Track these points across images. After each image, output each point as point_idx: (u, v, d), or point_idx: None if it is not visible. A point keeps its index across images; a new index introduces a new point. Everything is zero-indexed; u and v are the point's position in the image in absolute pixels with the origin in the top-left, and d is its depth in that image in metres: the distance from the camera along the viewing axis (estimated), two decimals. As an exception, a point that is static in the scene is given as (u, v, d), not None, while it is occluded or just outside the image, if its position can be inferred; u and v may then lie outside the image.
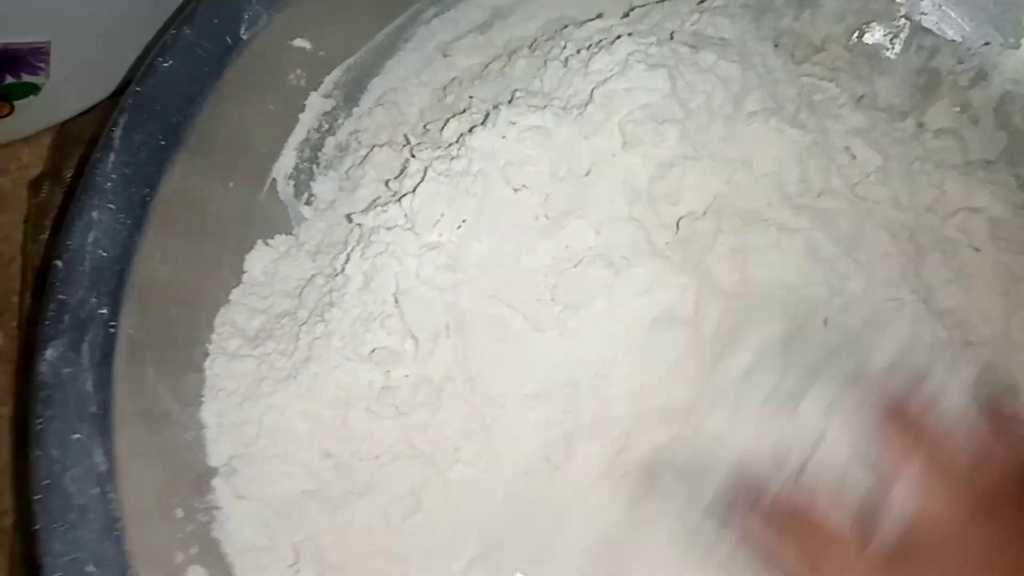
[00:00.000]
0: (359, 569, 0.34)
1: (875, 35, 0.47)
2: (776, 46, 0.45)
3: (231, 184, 0.38)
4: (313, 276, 0.38)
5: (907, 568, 0.26)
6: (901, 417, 0.28)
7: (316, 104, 0.40)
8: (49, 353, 0.31)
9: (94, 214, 0.33)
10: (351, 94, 0.41)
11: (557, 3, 0.44)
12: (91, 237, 0.32)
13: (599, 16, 0.42)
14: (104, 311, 0.32)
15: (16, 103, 0.43)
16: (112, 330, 0.32)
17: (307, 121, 0.40)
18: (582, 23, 0.41)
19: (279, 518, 0.34)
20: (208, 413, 0.35)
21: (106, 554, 0.29)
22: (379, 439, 0.35)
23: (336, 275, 0.36)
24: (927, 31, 0.46)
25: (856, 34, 0.47)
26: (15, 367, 0.43)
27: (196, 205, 0.36)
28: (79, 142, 0.43)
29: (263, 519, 0.34)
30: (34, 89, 0.42)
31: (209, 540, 0.33)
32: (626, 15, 0.42)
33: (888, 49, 0.46)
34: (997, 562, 0.26)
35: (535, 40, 0.43)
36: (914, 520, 0.27)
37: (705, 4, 0.42)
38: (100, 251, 0.32)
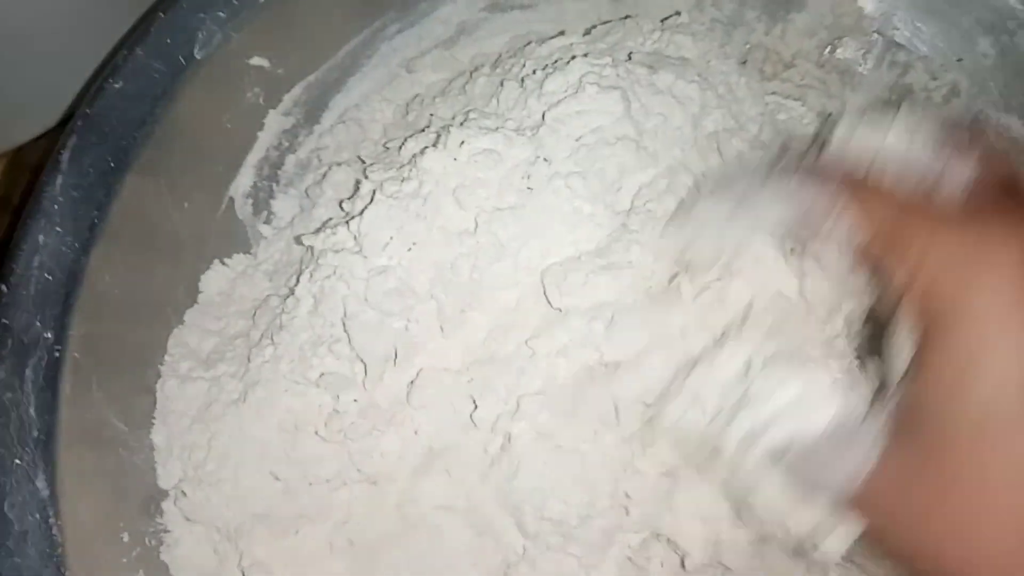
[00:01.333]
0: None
1: (847, 50, 0.46)
2: (744, 63, 0.45)
3: (186, 204, 0.37)
4: (268, 296, 0.38)
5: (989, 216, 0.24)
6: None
7: (275, 122, 0.40)
8: (-13, 378, 0.31)
9: (40, 237, 0.33)
10: (312, 111, 0.41)
11: (523, 19, 0.44)
12: (37, 260, 0.32)
13: (561, 33, 0.42)
14: (49, 335, 0.32)
15: None
16: (57, 354, 0.32)
17: (266, 139, 0.40)
18: (544, 40, 0.41)
19: (228, 541, 0.34)
20: (158, 435, 0.35)
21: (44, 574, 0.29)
22: (328, 463, 0.34)
23: (288, 297, 0.36)
24: (900, 46, 0.45)
25: (828, 49, 0.46)
26: None
27: (149, 226, 0.36)
28: (32, 167, 0.43)
29: (212, 542, 0.34)
30: None
31: (158, 563, 0.33)
32: (588, 32, 0.42)
33: (860, 64, 0.46)
34: None
35: (499, 56, 0.43)
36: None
37: (668, 22, 0.41)
38: (46, 275, 0.32)
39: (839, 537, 0.27)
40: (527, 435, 0.33)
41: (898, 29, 0.46)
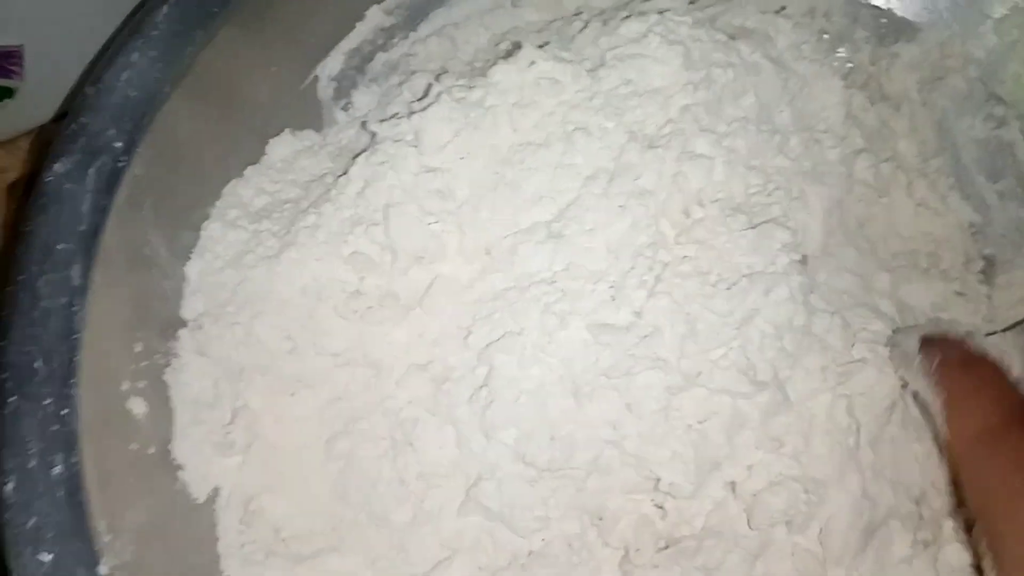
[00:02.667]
0: (286, 452, 0.36)
1: (943, 95, 0.45)
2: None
3: (274, 68, 0.40)
4: (324, 175, 0.40)
5: None
6: None
7: (376, 17, 0.42)
8: (56, 167, 0.33)
9: (134, 55, 0.35)
10: (412, 17, 0.43)
11: (635, -20, 0.45)
12: (125, 76, 0.35)
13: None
14: (119, 144, 0.34)
15: None
16: (121, 164, 0.34)
17: (363, 31, 0.42)
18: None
19: (227, 381, 0.36)
20: (192, 269, 0.37)
21: (56, 357, 0.31)
22: (337, 338, 0.36)
23: (340, 175, 0.38)
24: (999, 100, 0.45)
25: (928, 89, 0.46)
26: None
27: (235, 77, 0.38)
28: None
29: (213, 378, 0.36)
30: (8, 93, 0.43)
31: (159, 381, 0.35)
32: (693, 1, 0.42)
33: (952, 110, 0.45)
34: None
35: (604, 10, 0.44)
36: None
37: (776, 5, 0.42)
38: (130, 91, 0.35)
39: None
40: (506, 372, 0.34)
41: (1003, 83, 0.45)
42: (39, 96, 0.44)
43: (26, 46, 0.40)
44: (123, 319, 0.34)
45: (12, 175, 0.46)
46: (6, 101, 0.43)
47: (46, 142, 0.44)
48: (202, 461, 0.35)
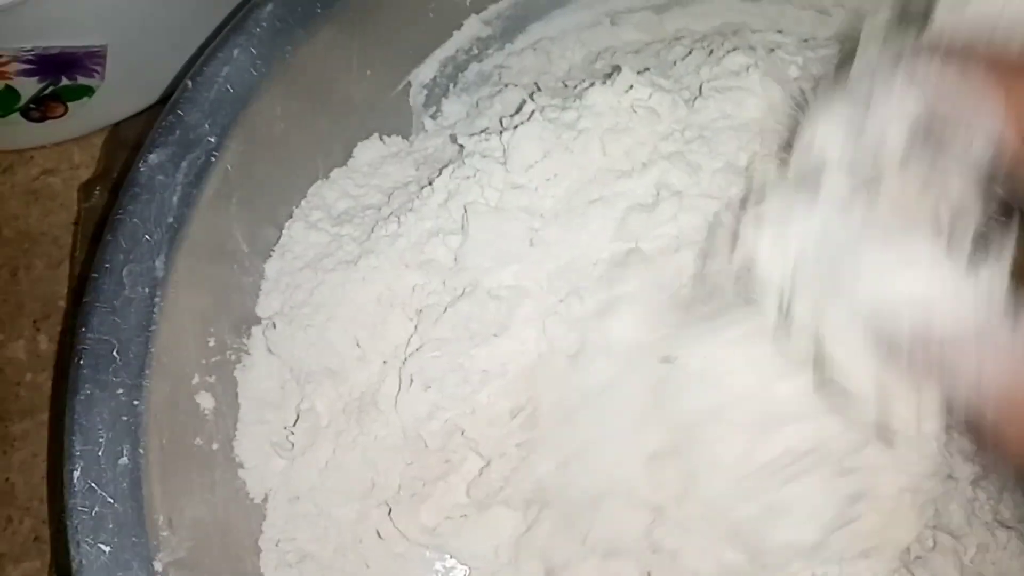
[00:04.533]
0: (351, 448, 0.36)
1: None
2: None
3: (368, 72, 0.39)
4: (408, 183, 0.39)
5: None
6: None
7: (473, 27, 0.41)
8: (151, 158, 0.33)
9: (235, 52, 0.35)
10: (509, 30, 0.42)
11: (741, 8, 0.44)
12: (224, 71, 0.35)
13: (778, 32, 0.41)
14: (212, 139, 0.34)
15: (70, 104, 0.44)
16: (213, 159, 0.34)
17: (459, 41, 0.41)
18: (755, 32, 0.41)
19: (295, 382, 0.36)
20: (271, 267, 0.37)
21: (133, 347, 0.31)
22: (402, 339, 0.36)
23: (425, 186, 0.37)
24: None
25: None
26: (64, 373, 0.43)
27: (330, 78, 0.38)
28: (131, 145, 0.44)
29: (282, 378, 0.36)
30: (88, 91, 0.43)
31: (229, 378, 0.36)
32: (805, 41, 0.41)
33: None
34: None
35: (704, 36, 0.43)
36: None
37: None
38: (228, 86, 0.35)
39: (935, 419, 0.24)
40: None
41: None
42: (117, 95, 0.44)
43: (109, 47, 0.40)
44: (200, 313, 0.35)
45: (85, 172, 0.47)
46: (85, 99, 0.43)
47: (120, 140, 0.45)
48: (262, 461, 0.35)
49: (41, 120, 0.43)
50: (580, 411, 0.34)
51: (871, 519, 0.31)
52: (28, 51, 0.38)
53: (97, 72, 0.41)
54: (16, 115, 0.43)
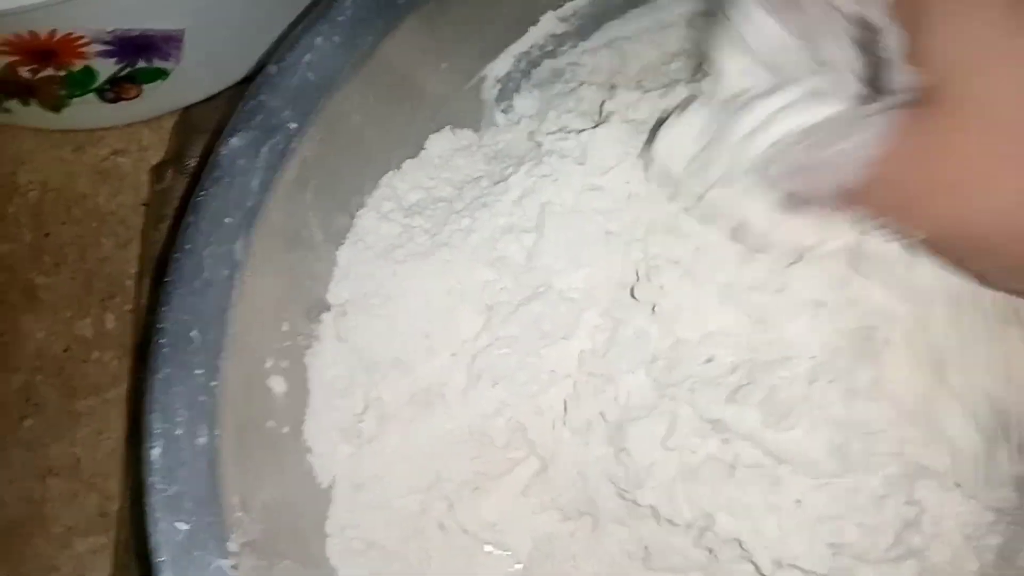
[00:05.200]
0: (418, 438, 0.36)
1: None
2: None
3: (443, 66, 0.39)
4: (480, 177, 0.39)
5: None
6: None
7: (549, 23, 0.41)
8: (233, 141, 0.34)
9: (318, 40, 0.35)
10: (585, 27, 0.42)
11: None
12: (307, 58, 0.35)
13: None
14: (293, 125, 0.34)
15: (144, 87, 0.44)
16: (294, 145, 0.34)
17: (534, 36, 0.41)
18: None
19: (363, 371, 0.36)
20: (343, 256, 0.37)
21: (212, 328, 0.32)
22: (471, 334, 0.36)
23: (499, 182, 0.37)
24: None
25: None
26: (130, 352, 0.44)
27: (409, 69, 0.38)
28: (201, 129, 0.44)
29: (350, 366, 0.36)
30: (163, 74, 0.43)
31: (300, 363, 0.36)
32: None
33: None
34: None
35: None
36: None
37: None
38: (310, 73, 0.35)
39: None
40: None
41: None
42: (190, 79, 0.45)
43: (187, 31, 0.41)
44: (275, 297, 0.35)
45: (153, 153, 0.47)
46: (159, 82, 0.44)
47: (191, 124, 0.45)
48: (330, 446, 0.36)
49: (115, 101, 0.44)
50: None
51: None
52: (109, 32, 0.39)
53: (173, 56, 0.42)
54: (92, 95, 0.43)
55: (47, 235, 0.46)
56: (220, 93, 0.46)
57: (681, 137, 0.29)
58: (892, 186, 0.23)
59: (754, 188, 0.27)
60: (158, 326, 0.32)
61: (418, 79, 0.39)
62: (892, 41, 0.24)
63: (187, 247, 0.32)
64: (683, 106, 0.30)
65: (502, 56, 0.41)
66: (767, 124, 0.26)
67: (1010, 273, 0.24)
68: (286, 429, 0.35)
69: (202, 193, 0.33)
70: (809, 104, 0.25)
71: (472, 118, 0.41)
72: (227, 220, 0.33)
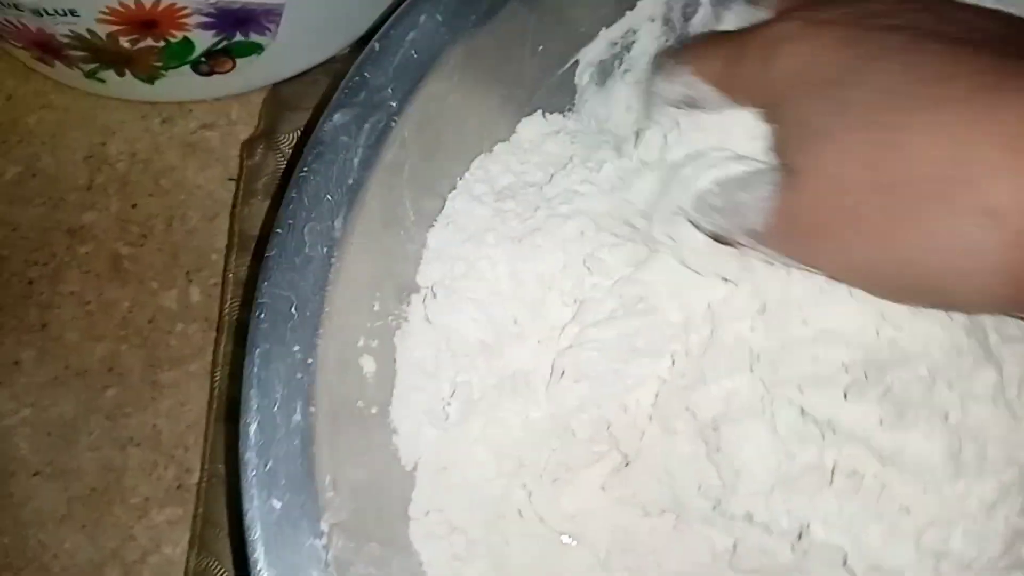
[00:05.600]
0: (503, 425, 0.35)
1: None
2: None
3: (540, 48, 0.39)
4: (569, 162, 0.39)
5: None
6: None
7: (647, 8, 0.41)
8: (337, 117, 0.33)
9: (422, 18, 0.35)
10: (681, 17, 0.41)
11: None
12: (410, 36, 0.34)
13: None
14: (394, 104, 0.34)
15: (238, 61, 0.44)
16: (394, 124, 0.34)
17: (631, 20, 0.41)
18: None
19: (450, 354, 0.36)
20: (434, 238, 0.37)
21: (310, 305, 0.32)
22: (559, 323, 0.35)
23: (594, 170, 0.37)
24: None
25: None
26: (214, 325, 0.44)
27: (505, 52, 0.38)
28: (291, 106, 0.44)
29: (437, 348, 0.36)
30: (258, 49, 0.43)
31: (389, 343, 0.35)
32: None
33: None
34: None
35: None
36: None
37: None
38: (413, 52, 0.35)
39: None
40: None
41: None
42: (284, 54, 0.44)
43: (287, 5, 0.40)
44: (369, 276, 0.34)
45: (242, 128, 0.47)
46: (254, 56, 0.43)
47: (280, 100, 0.45)
48: (415, 428, 0.35)
49: (208, 75, 0.44)
50: None
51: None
52: (212, 4, 0.38)
53: (270, 30, 0.41)
54: (186, 67, 0.43)
55: (134, 206, 0.46)
56: (309, 70, 0.45)
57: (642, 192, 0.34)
58: (784, 236, 0.28)
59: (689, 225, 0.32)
60: (259, 301, 0.31)
61: (515, 62, 0.38)
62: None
63: (289, 222, 0.32)
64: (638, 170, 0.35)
65: (596, 41, 0.41)
66: (695, 177, 0.31)
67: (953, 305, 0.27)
68: (374, 410, 0.34)
69: (305, 170, 0.33)
70: (728, 163, 0.30)
71: (564, 103, 0.41)
72: (328, 197, 0.33)
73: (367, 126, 0.33)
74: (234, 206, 0.44)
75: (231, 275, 0.42)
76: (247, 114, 0.47)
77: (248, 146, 0.44)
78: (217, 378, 0.42)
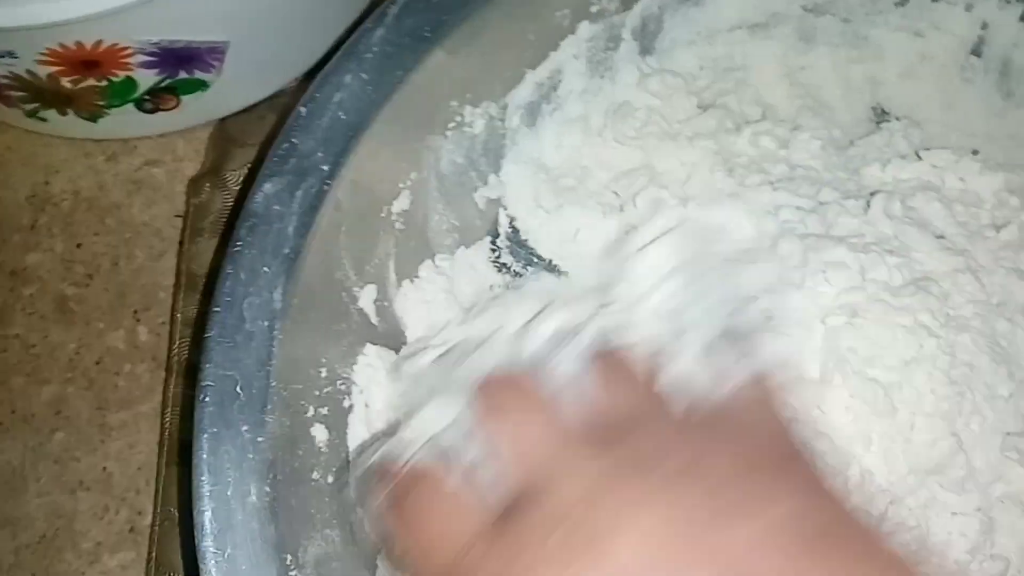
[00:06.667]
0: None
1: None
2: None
3: (468, 95, 0.39)
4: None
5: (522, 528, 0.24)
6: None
7: (570, 47, 0.41)
8: (267, 187, 0.33)
9: (347, 77, 0.34)
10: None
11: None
12: (337, 97, 0.34)
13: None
14: (325, 168, 0.33)
15: (183, 98, 0.43)
16: (327, 187, 0.33)
17: (555, 60, 0.41)
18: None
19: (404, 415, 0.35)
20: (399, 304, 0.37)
21: (254, 382, 0.31)
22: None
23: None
24: None
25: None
26: (163, 365, 0.43)
27: (434, 103, 0.37)
28: (238, 141, 0.43)
29: (394, 408, 0.35)
30: (203, 86, 0.43)
31: (339, 408, 0.35)
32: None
33: None
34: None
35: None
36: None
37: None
38: (340, 113, 0.34)
39: None
40: None
41: None
42: (230, 90, 0.44)
43: (231, 43, 0.40)
44: (312, 344, 0.34)
45: (188, 164, 0.46)
46: (199, 93, 0.43)
47: (226, 135, 0.44)
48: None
49: (153, 112, 0.43)
50: None
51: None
52: (154, 44, 0.38)
53: (215, 67, 0.41)
54: (130, 105, 0.42)
55: (79, 246, 0.45)
56: (256, 105, 0.45)
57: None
58: None
59: None
60: (202, 384, 0.30)
61: (442, 112, 0.38)
62: None
63: (227, 299, 0.31)
64: None
65: (523, 83, 0.41)
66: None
67: None
68: (330, 479, 0.34)
69: (239, 244, 0.32)
70: None
71: (498, 145, 0.41)
72: (265, 269, 0.32)
73: (299, 193, 0.33)
74: (181, 244, 0.44)
75: (179, 315, 0.42)
76: (193, 150, 0.46)
77: (194, 184, 0.43)
78: (167, 419, 0.41)
